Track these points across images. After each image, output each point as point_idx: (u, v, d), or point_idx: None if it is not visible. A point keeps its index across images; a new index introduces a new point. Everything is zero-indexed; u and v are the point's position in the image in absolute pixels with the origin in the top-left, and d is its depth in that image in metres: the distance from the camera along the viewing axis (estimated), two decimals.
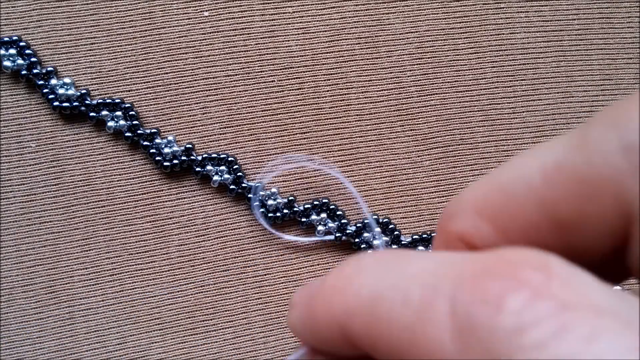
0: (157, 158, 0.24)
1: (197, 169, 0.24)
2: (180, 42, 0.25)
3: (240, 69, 0.25)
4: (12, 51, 0.24)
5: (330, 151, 0.25)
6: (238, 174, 0.24)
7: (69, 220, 0.24)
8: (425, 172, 0.25)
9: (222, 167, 0.24)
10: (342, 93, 0.25)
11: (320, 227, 0.25)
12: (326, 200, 0.25)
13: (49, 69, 0.24)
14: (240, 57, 0.25)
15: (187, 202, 0.25)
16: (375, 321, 0.13)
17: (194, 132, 0.25)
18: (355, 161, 0.25)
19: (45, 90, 0.24)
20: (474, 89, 0.26)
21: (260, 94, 0.25)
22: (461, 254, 0.13)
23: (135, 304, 0.24)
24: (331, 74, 0.25)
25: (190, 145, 0.24)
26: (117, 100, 0.24)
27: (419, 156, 0.25)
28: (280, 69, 0.25)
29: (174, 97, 0.25)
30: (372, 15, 0.25)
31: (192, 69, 0.25)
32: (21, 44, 0.24)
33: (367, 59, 0.25)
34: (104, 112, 0.24)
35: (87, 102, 0.24)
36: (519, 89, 0.26)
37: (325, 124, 0.25)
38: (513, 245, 0.13)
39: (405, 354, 0.13)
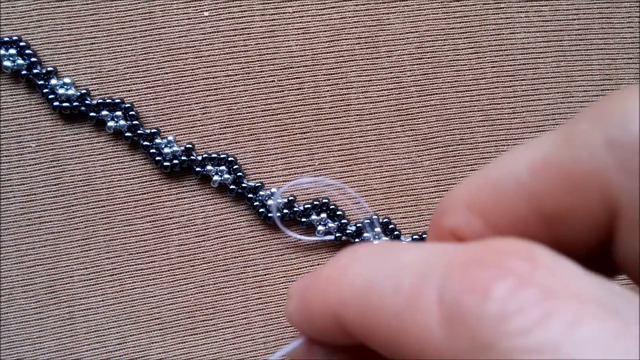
0: (157, 158, 0.24)
1: (197, 169, 0.24)
2: (180, 42, 0.25)
3: (240, 69, 0.25)
4: (12, 51, 0.24)
5: (330, 151, 0.25)
6: (238, 174, 0.24)
7: (69, 220, 0.24)
8: (425, 172, 0.25)
9: (222, 167, 0.24)
10: (342, 93, 0.25)
11: (320, 227, 0.25)
12: (326, 200, 0.25)
13: (49, 69, 0.24)
14: (240, 57, 0.25)
15: (187, 202, 0.25)
16: (367, 310, 0.14)
17: (194, 132, 0.25)
18: (355, 161, 0.25)
19: (45, 90, 0.24)
20: (474, 89, 0.26)
21: (260, 94, 0.25)
22: (451, 245, 0.14)
23: (135, 304, 0.24)
24: (331, 74, 0.25)
25: (190, 145, 0.24)
26: (117, 100, 0.24)
27: (419, 156, 0.25)
28: (280, 69, 0.25)
29: (174, 97, 0.25)
30: (372, 15, 0.25)
31: (192, 69, 0.25)
32: (21, 44, 0.24)
33: (367, 59, 0.25)
34: (104, 112, 0.24)
35: (87, 102, 0.24)
36: (519, 89, 0.26)
37: (325, 124, 0.25)
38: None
39: (396, 341, 0.13)
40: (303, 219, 0.25)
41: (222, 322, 0.24)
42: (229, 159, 0.24)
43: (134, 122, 0.24)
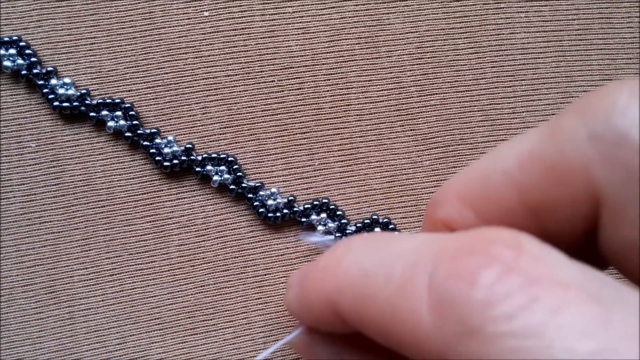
0: (157, 158, 0.24)
1: (197, 169, 0.24)
2: (180, 42, 0.25)
3: (240, 69, 0.25)
4: (12, 51, 0.24)
5: (330, 151, 0.25)
6: (238, 174, 0.24)
7: (69, 220, 0.24)
8: (425, 172, 0.25)
9: (222, 167, 0.24)
10: (342, 93, 0.25)
11: (320, 227, 0.25)
12: (326, 200, 0.25)
13: (49, 69, 0.24)
14: (240, 57, 0.25)
15: (187, 202, 0.25)
16: (362, 297, 0.14)
17: (194, 132, 0.25)
18: (355, 161, 0.25)
19: (45, 90, 0.24)
20: (474, 89, 0.26)
21: (260, 94, 0.25)
22: (441, 234, 0.14)
23: (135, 304, 0.24)
24: (331, 74, 0.25)
25: (190, 145, 0.24)
26: (117, 100, 0.24)
27: (419, 156, 0.25)
28: (280, 69, 0.25)
29: (174, 97, 0.25)
30: (372, 15, 0.25)
31: (192, 69, 0.25)
32: (21, 44, 0.24)
33: (367, 59, 0.25)
34: (104, 112, 0.24)
35: (87, 102, 0.24)
36: (519, 89, 0.26)
37: (325, 124, 0.25)
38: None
39: (388, 327, 0.13)
40: (303, 219, 0.25)
41: (222, 322, 0.24)
42: (229, 159, 0.24)
43: (134, 122, 0.24)
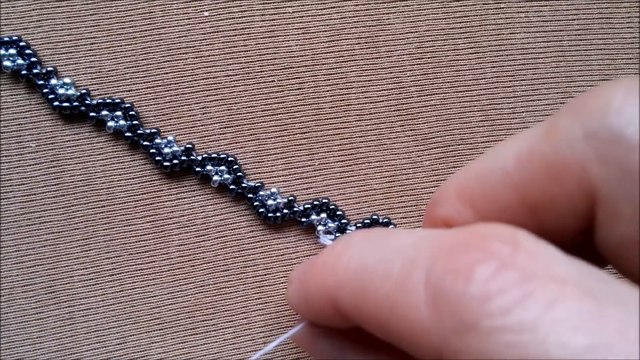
0: (157, 158, 0.24)
1: (197, 169, 0.24)
2: (180, 42, 0.25)
3: (240, 69, 0.25)
4: (12, 51, 0.24)
5: (330, 151, 0.25)
6: (238, 174, 0.24)
7: (69, 220, 0.24)
8: (425, 172, 0.25)
9: (222, 167, 0.24)
10: (342, 93, 0.25)
11: (320, 227, 0.25)
12: (326, 200, 0.25)
13: (49, 69, 0.24)
14: (240, 57, 0.25)
15: (187, 202, 0.25)
16: (361, 292, 0.14)
17: (194, 132, 0.25)
18: (355, 161, 0.25)
19: (45, 90, 0.24)
20: (474, 89, 0.26)
21: (260, 94, 0.25)
22: (438, 231, 0.14)
23: (135, 304, 0.24)
24: (331, 74, 0.25)
25: (190, 145, 0.24)
26: (117, 100, 0.24)
27: (419, 156, 0.25)
28: (280, 69, 0.25)
29: (174, 97, 0.25)
30: (372, 15, 0.25)
31: (192, 69, 0.25)
32: (21, 44, 0.24)
33: (367, 59, 0.25)
34: (104, 112, 0.24)
35: (87, 102, 0.24)
36: (519, 89, 0.26)
37: (325, 124, 0.25)
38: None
39: (387, 321, 0.13)
40: (303, 219, 0.25)
41: (222, 322, 0.24)
42: (229, 159, 0.24)
43: (134, 122, 0.24)
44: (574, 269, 0.12)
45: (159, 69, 0.25)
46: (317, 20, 0.25)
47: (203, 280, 0.24)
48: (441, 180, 0.25)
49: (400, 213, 0.25)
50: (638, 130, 0.12)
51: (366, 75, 0.25)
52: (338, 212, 0.25)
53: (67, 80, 0.24)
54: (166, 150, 0.24)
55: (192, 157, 0.24)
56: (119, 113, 0.24)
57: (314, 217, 0.24)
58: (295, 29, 0.25)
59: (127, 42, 0.25)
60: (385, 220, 0.25)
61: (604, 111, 0.13)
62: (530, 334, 0.11)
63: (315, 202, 0.25)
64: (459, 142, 0.25)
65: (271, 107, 0.25)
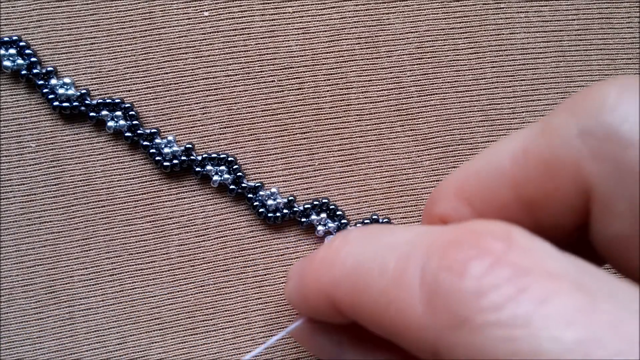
0: (157, 158, 0.24)
1: (197, 169, 0.24)
2: (180, 42, 0.25)
3: (240, 69, 0.25)
4: (12, 51, 0.24)
5: (330, 151, 0.25)
6: (238, 174, 0.24)
7: (69, 220, 0.24)
8: (425, 172, 0.25)
9: (222, 167, 0.24)
10: (342, 93, 0.25)
11: (320, 227, 0.25)
12: (326, 200, 0.25)
13: (49, 69, 0.24)
14: (240, 57, 0.25)
15: (187, 202, 0.25)
16: (357, 288, 0.15)
17: (194, 132, 0.25)
18: (355, 161, 0.25)
19: (45, 90, 0.24)
20: (474, 89, 0.26)
21: (260, 94, 0.25)
22: (433, 227, 0.14)
23: (135, 304, 0.24)
24: (331, 74, 0.25)
25: (190, 146, 0.24)
26: (117, 100, 0.24)
27: (419, 156, 0.25)
28: (280, 69, 0.25)
29: (174, 97, 0.25)
30: (372, 15, 0.25)
31: (192, 69, 0.25)
32: (21, 44, 0.24)
33: (367, 59, 0.25)
34: (104, 112, 0.24)
35: (87, 102, 0.24)
36: (519, 89, 0.26)
37: (325, 124, 0.25)
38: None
39: (382, 317, 0.14)
40: (303, 219, 0.25)
41: (222, 322, 0.24)
42: (229, 159, 0.24)
43: (134, 122, 0.24)
44: (568, 264, 0.12)
45: (159, 69, 0.25)
46: (317, 20, 0.25)
47: (203, 280, 0.24)
48: (441, 180, 0.25)
49: (400, 213, 0.25)
50: (632, 128, 0.13)
51: (366, 75, 0.25)
52: (338, 212, 0.25)
53: (67, 80, 0.24)
54: (166, 150, 0.24)
55: (192, 157, 0.24)
56: (119, 113, 0.24)
57: (313, 217, 0.24)
58: (295, 29, 0.25)
59: (127, 42, 0.25)
60: (385, 220, 0.25)
61: (598, 109, 0.13)
62: (523, 328, 0.11)
63: (315, 202, 0.25)
64: (459, 142, 0.25)
65: (271, 107, 0.25)
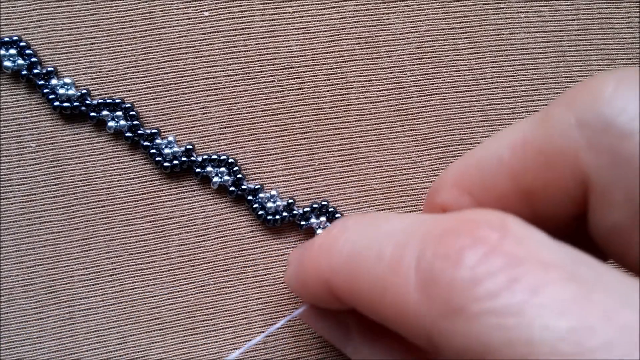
0: (157, 158, 0.24)
1: (197, 170, 0.24)
2: (180, 42, 0.25)
3: (240, 69, 0.25)
4: (12, 51, 0.24)
5: (330, 151, 0.25)
6: (238, 175, 0.24)
7: (69, 220, 0.24)
8: (425, 172, 0.25)
9: (222, 169, 0.24)
10: (342, 93, 0.25)
11: (319, 231, 0.25)
12: (325, 203, 0.25)
13: (49, 69, 0.24)
14: (240, 57, 0.25)
15: (187, 202, 0.25)
16: (354, 275, 0.15)
17: (194, 132, 0.25)
18: (355, 161, 0.25)
19: (45, 90, 0.24)
20: (474, 89, 0.26)
21: (260, 94, 0.25)
22: (430, 216, 0.15)
23: (135, 304, 0.24)
24: (331, 74, 0.25)
25: (190, 146, 0.24)
26: (117, 100, 0.24)
27: (419, 156, 0.25)
28: (280, 69, 0.25)
29: (174, 97, 0.25)
30: (372, 15, 0.25)
31: (192, 69, 0.25)
32: (21, 44, 0.24)
33: (367, 59, 0.25)
34: (104, 112, 0.24)
35: (87, 102, 0.24)
36: (518, 89, 0.26)
37: (325, 124, 0.25)
38: None
39: (379, 304, 0.14)
40: (302, 222, 0.25)
41: (222, 322, 0.24)
42: (229, 160, 0.24)
43: (134, 122, 0.24)
44: (563, 254, 0.12)
45: (159, 69, 0.25)
46: (317, 20, 0.25)
47: (203, 280, 0.24)
48: None
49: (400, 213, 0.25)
50: (629, 119, 0.13)
51: (366, 75, 0.25)
52: (337, 215, 0.25)
53: (67, 80, 0.24)
54: (166, 150, 0.24)
55: (192, 158, 0.24)
56: (119, 113, 0.24)
57: (313, 220, 0.24)
58: (295, 29, 0.25)
59: (127, 42, 0.25)
60: None
61: (596, 101, 0.13)
62: (516, 317, 0.11)
63: (314, 205, 0.25)
64: (459, 142, 0.25)
65: (271, 107, 0.25)
